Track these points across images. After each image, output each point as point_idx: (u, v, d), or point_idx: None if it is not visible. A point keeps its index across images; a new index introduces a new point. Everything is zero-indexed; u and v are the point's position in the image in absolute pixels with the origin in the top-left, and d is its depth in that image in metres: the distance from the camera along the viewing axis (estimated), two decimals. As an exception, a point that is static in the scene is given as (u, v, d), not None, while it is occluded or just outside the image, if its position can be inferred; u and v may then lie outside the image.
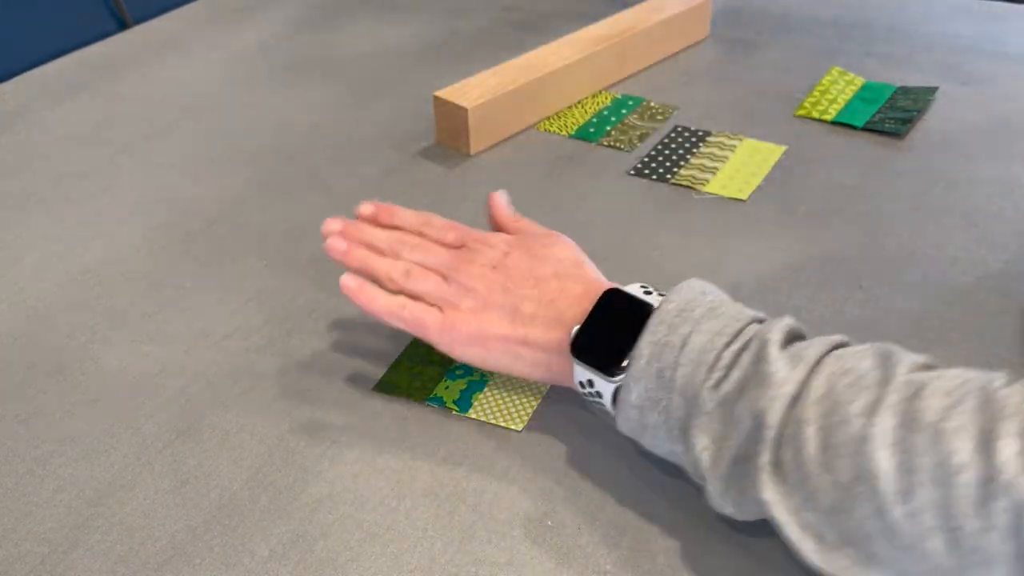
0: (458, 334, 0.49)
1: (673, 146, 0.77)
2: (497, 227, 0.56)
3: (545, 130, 0.82)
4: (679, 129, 0.80)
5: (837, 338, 0.42)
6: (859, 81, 0.86)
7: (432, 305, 0.50)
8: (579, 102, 0.85)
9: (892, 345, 0.40)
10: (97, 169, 0.78)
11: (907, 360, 0.39)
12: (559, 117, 0.83)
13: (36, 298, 0.63)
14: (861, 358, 0.39)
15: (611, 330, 0.45)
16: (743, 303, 0.60)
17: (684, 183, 0.72)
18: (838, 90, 0.84)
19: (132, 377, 0.56)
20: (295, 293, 0.62)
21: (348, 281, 0.52)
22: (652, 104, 0.84)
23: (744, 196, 0.70)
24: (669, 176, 0.73)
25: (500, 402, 0.53)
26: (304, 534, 0.46)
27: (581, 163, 0.77)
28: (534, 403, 0.53)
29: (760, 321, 0.44)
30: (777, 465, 0.39)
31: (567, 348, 0.46)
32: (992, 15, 1.01)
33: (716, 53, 0.95)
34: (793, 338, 0.42)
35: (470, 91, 0.77)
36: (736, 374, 0.41)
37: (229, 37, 1.04)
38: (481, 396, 0.53)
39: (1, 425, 0.53)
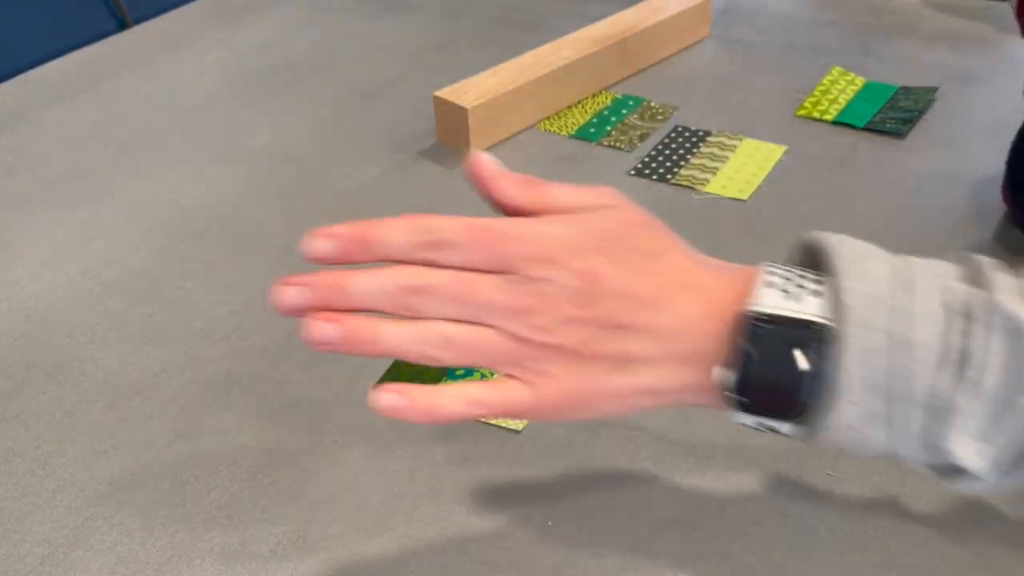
0: (559, 409, 0.36)
1: (673, 146, 0.77)
2: (505, 210, 0.39)
3: (545, 130, 0.82)
4: (679, 129, 0.80)
5: None
6: (860, 81, 0.86)
7: (508, 376, 0.36)
8: (579, 102, 0.85)
9: None
10: (97, 169, 0.78)
11: None
12: (559, 117, 0.83)
13: (36, 298, 0.63)
14: None
15: (774, 365, 0.34)
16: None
17: (684, 183, 0.72)
18: (839, 90, 0.84)
19: (132, 377, 0.56)
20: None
21: (379, 399, 0.35)
22: (652, 104, 0.84)
23: (744, 196, 0.70)
24: (669, 176, 0.73)
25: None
26: (304, 534, 0.46)
27: (581, 163, 0.77)
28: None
29: (965, 278, 0.34)
30: None
31: (711, 389, 0.35)
32: (992, 15, 1.01)
33: (716, 53, 0.95)
34: (1017, 280, 0.34)
35: (470, 91, 0.77)
36: (995, 361, 0.32)
37: (229, 37, 1.04)
38: (481, 396, 0.53)
39: (1, 425, 0.53)
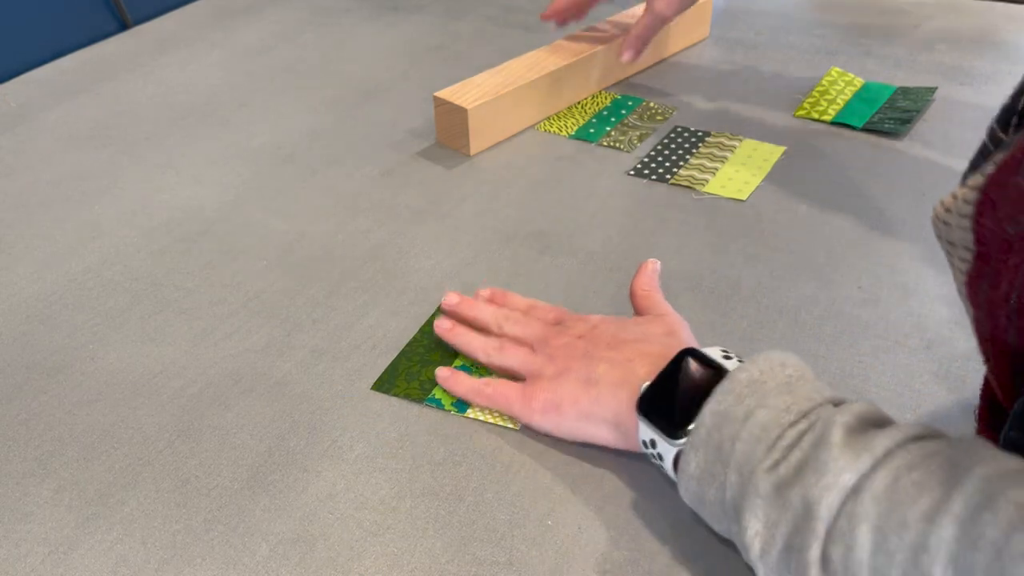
0: (536, 403, 0.50)
1: (673, 146, 0.78)
2: (630, 291, 0.56)
3: (545, 130, 0.82)
4: (679, 129, 0.80)
5: (918, 428, 0.37)
6: (858, 81, 0.86)
7: (520, 380, 0.52)
8: (579, 102, 0.85)
9: (980, 438, 0.36)
10: (97, 169, 0.78)
11: (990, 458, 0.33)
12: (559, 117, 0.83)
13: (36, 298, 0.63)
14: (936, 451, 0.35)
15: (681, 391, 0.43)
16: (742, 303, 0.60)
17: (684, 183, 0.72)
18: (837, 90, 0.84)
19: (132, 377, 0.56)
20: (295, 293, 0.62)
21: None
22: (652, 104, 0.84)
23: (744, 196, 0.70)
24: (669, 176, 0.73)
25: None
26: (304, 534, 0.46)
27: (581, 163, 0.77)
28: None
29: (838, 404, 0.40)
30: (826, 562, 0.35)
31: (634, 406, 0.45)
32: (992, 15, 1.01)
33: (716, 53, 0.95)
34: (868, 424, 0.38)
35: (470, 91, 0.77)
36: (795, 456, 0.37)
37: (229, 37, 1.04)
38: (481, 396, 0.54)
39: (1, 425, 0.53)
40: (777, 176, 0.73)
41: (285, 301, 0.62)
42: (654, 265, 0.57)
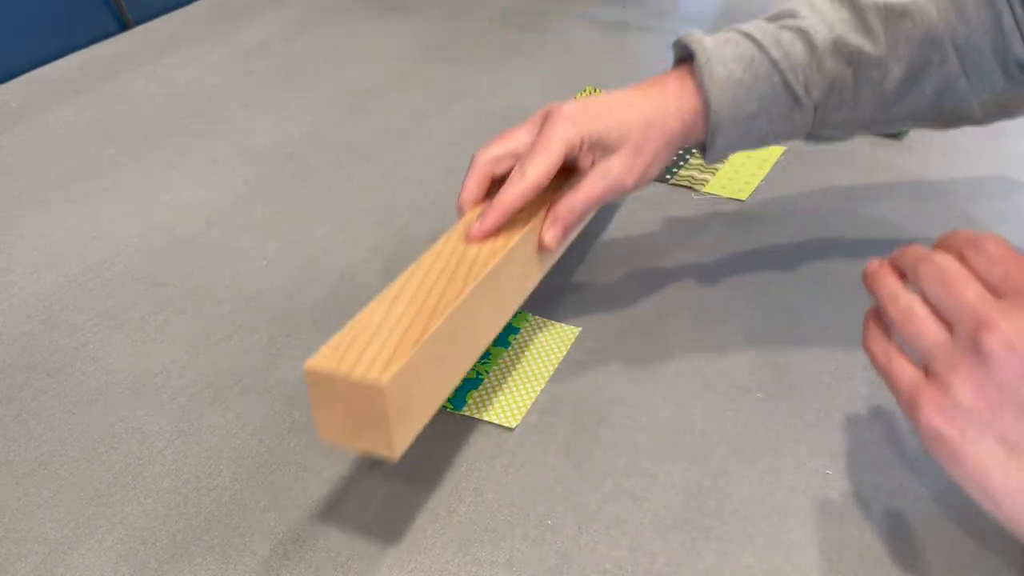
0: (929, 426, 0.34)
1: (673, 146, 0.77)
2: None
3: (545, 130, 0.82)
4: (679, 129, 0.80)
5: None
6: (859, 81, 0.86)
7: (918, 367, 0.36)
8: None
9: None
10: (97, 169, 0.78)
11: None
12: (559, 117, 0.83)
13: (36, 298, 0.63)
14: None
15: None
16: (742, 303, 0.60)
17: (684, 183, 0.72)
18: (838, 90, 0.84)
19: (132, 377, 0.56)
20: (295, 293, 0.62)
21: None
22: (652, 104, 0.84)
23: (744, 196, 0.70)
24: (669, 176, 0.73)
25: (495, 399, 0.53)
26: (304, 534, 0.46)
27: (581, 163, 0.77)
28: (528, 401, 0.53)
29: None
30: None
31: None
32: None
33: (716, 53, 0.95)
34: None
35: (364, 344, 0.41)
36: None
37: (229, 37, 1.04)
38: (476, 393, 0.53)
39: (1, 425, 0.53)
40: (777, 176, 0.73)
41: (285, 301, 0.62)
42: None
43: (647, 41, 1.00)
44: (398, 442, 0.40)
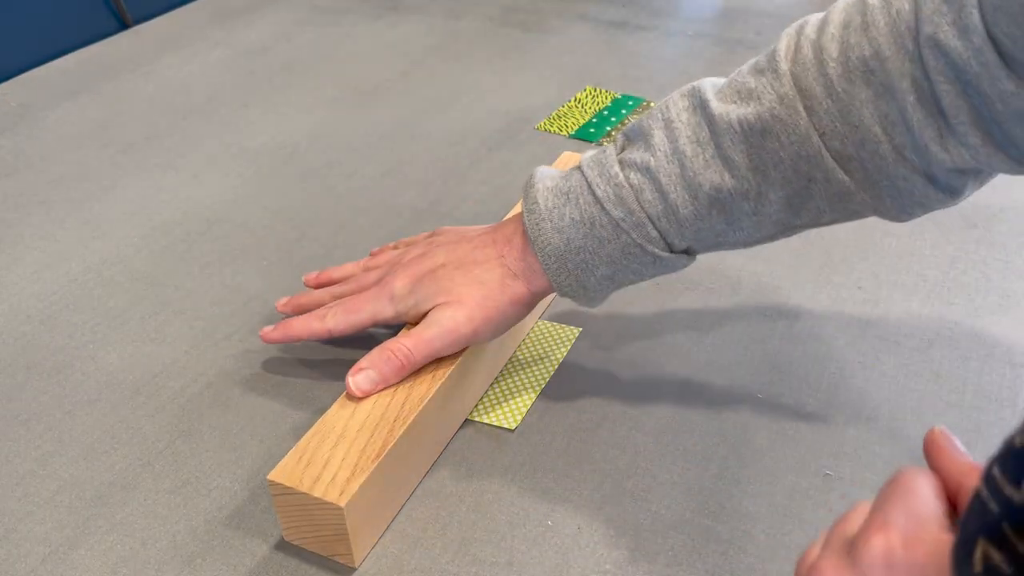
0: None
1: (673, 146, 0.77)
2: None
3: (545, 130, 0.82)
4: (679, 129, 0.80)
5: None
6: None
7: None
8: (576, 99, 0.85)
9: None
10: (97, 169, 0.78)
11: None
12: (559, 117, 0.83)
13: (36, 298, 0.63)
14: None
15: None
16: (743, 303, 0.60)
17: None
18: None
19: (132, 377, 0.56)
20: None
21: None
22: (652, 104, 0.84)
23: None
24: (669, 176, 0.73)
25: (495, 401, 0.53)
26: (304, 534, 0.46)
27: (581, 163, 0.77)
28: (528, 401, 0.53)
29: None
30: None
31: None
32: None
33: (715, 53, 0.95)
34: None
35: (326, 462, 0.44)
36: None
37: (229, 37, 1.04)
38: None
39: (1, 425, 0.53)
40: (777, 176, 0.73)
41: (285, 301, 0.62)
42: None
43: (647, 41, 1.00)
44: (358, 552, 0.44)
